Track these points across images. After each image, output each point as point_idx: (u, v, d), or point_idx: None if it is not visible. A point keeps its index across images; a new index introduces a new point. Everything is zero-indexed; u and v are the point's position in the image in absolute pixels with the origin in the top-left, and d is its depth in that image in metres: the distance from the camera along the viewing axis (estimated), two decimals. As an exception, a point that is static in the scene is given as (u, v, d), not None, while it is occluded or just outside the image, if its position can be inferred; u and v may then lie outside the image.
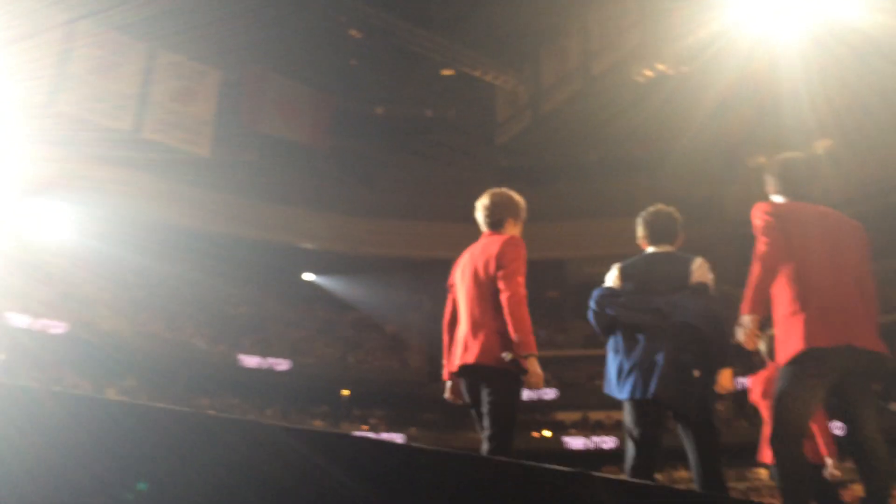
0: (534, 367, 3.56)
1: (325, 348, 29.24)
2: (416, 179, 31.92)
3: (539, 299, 31.79)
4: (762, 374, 5.51)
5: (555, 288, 31.58)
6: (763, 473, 21.80)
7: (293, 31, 24.43)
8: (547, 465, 1.74)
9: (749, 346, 3.15)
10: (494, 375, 3.61)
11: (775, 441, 3.06)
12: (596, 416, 28.02)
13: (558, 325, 31.06)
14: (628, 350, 3.83)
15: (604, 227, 29.87)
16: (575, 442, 26.93)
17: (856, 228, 3.34)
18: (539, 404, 28.63)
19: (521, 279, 3.66)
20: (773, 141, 25.41)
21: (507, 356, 3.55)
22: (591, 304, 4.06)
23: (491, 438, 3.63)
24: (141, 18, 21.69)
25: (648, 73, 22.54)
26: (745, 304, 3.17)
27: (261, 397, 25.51)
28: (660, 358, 3.65)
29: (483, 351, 3.60)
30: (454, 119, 30.97)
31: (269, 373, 26.53)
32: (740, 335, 3.16)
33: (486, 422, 3.67)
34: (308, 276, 31.27)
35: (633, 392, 3.75)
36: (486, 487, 1.66)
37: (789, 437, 3.05)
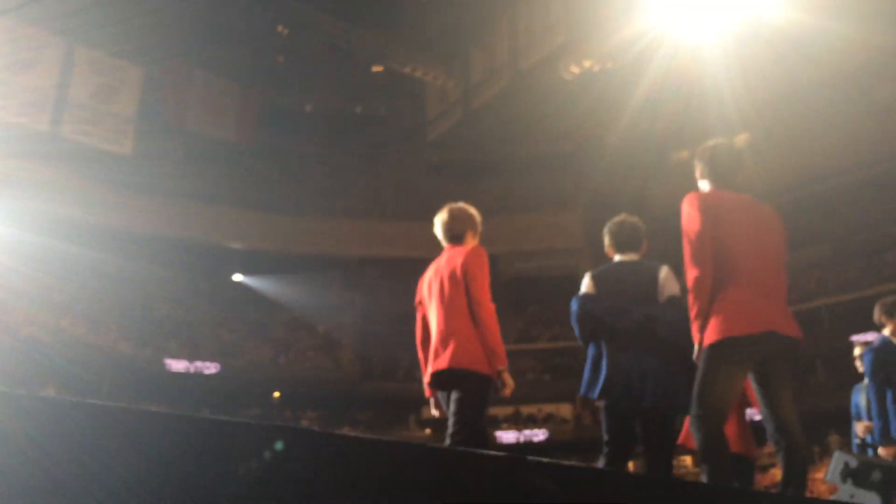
0: (507, 378, 3.77)
1: (255, 350, 28.78)
2: (347, 177, 31.66)
3: (472, 295, 32.10)
4: None
5: (487, 284, 31.77)
6: (688, 460, 22.44)
7: (218, 26, 23.95)
8: (481, 451, 1.70)
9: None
10: (465, 377, 3.72)
11: (697, 422, 3.10)
12: (528, 409, 28.33)
13: (491, 321, 31.28)
14: (614, 357, 3.89)
15: (535, 222, 30.19)
16: (507, 436, 27.17)
17: (775, 218, 3.42)
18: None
19: (488, 290, 3.86)
20: (700, 136, 26.06)
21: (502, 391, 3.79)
22: (575, 307, 4.13)
23: (452, 435, 3.69)
24: (58, 13, 20.94)
25: (575, 69, 22.85)
26: (695, 330, 3.23)
27: (189, 402, 24.91)
28: (651, 370, 3.78)
29: (454, 356, 3.73)
30: (384, 115, 30.87)
31: (198, 377, 25.95)
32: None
33: (450, 419, 3.74)
34: (237, 277, 30.71)
35: (619, 400, 3.90)
36: (418, 475, 1.61)
37: (711, 418, 3.09)
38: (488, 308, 3.81)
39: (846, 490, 2.45)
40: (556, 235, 29.96)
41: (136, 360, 25.15)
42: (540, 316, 30.98)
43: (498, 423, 28.09)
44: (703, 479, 3.04)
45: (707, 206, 3.25)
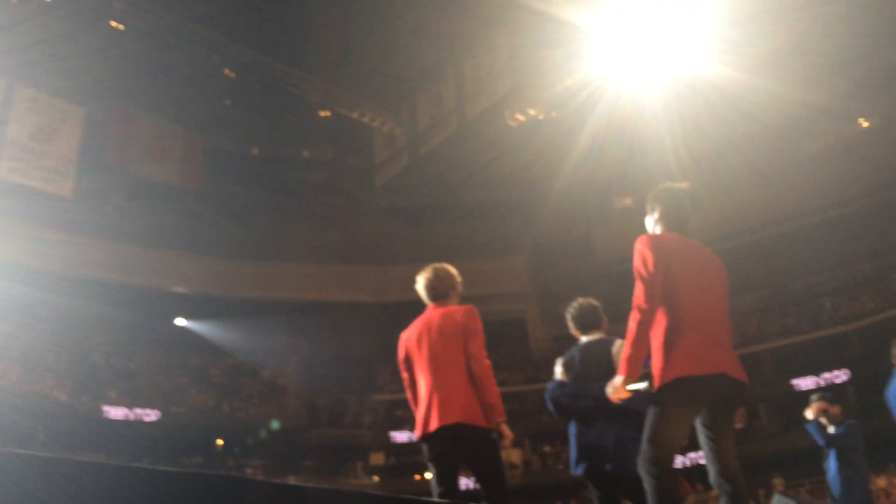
0: (507, 430, 3.90)
1: (197, 396, 28.08)
2: (293, 221, 31.49)
3: (419, 340, 31.96)
4: None
5: (434, 328, 31.70)
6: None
7: (163, 68, 23.83)
8: (421, 499, 1.69)
9: (616, 400, 3.29)
10: (481, 436, 3.84)
11: (648, 465, 3.10)
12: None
13: (438, 366, 31.13)
14: (581, 435, 4.27)
15: (482, 267, 30.31)
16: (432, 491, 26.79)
17: (720, 264, 3.49)
18: (420, 446, 28.47)
19: (484, 347, 4.02)
20: (642, 183, 26.74)
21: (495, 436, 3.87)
22: (547, 398, 4.44)
23: (493, 495, 3.82)
24: (-3, 52, 20.60)
25: (520, 117, 23.30)
26: (623, 367, 3.24)
27: (128, 451, 24.11)
28: (609, 439, 4.10)
29: (464, 410, 3.84)
30: (332, 160, 30.91)
31: (138, 424, 25.16)
32: (612, 392, 3.27)
33: (484, 484, 3.86)
34: (180, 322, 30.07)
35: (589, 469, 4.22)
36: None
37: (662, 460, 3.10)
38: (487, 364, 3.97)
39: (788, 531, 2.49)
40: (502, 280, 30.14)
41: (72, 408, 24.29)
42: (487, 360, 30.92)
43: (445, 470, 27.79)
44: None
45: (660, 248, 3.29)
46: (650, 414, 3.19)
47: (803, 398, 24.60)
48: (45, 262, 25.42)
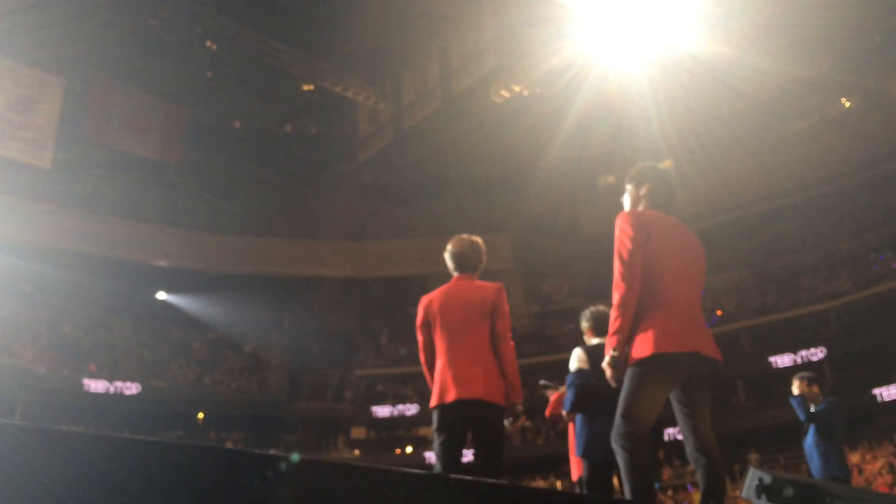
0: (519, 411, 3.99)
1: (178, 370, 28.04)
2: (276, 195, 31.31)
3: (401, 315, 31.99)
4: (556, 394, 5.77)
5: (416, 303, 31.70)
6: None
7: (144, 39, 23.46)
8: (407, 470, 1.71)
9: (610, 378, 3.28)
10: (496, 413, 3.92)
11: (622, 439, 3.14)
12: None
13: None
14: (591, 426, 4.62)
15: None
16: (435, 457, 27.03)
17: (698, 243, 3.53)
18: (401, 420, 28.64)
19: (510, 328, 4.06)
20: (629, 161, 26.75)
21: (508, 423, 4.02)
22: (576, 381, 4.66)
23: (493, 468, 3.95)
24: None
25: (505, 93, 23.23)
26: (611, 342, 3.25)
27: (108, 424, 24.08)
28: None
29: (487, 387, 3.87)
30: (315, 135, 30.70)
31: (117, 398, 25.12)
32: (609, 372, 3.27)
33: (485, 453, 3.99)
34: (161, 296, 29.94)
35: (593, 459, 4.59)
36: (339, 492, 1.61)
37: (636, 434, 3.14)
38: (511, 344, 4.00)
39: (760, 505, 2.53)
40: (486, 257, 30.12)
41: (52, 381, 24.19)
42: (469, 336, 31.05)
43: (427, 444, 27.99)
44: (627, 496, 3.08)
45: (640, 225, 3.31)
46: (624, 389, 3.22)
47: (780, 375, 24.96)
48: (24, 234, 25.20)
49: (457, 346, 3.96)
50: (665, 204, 3.50)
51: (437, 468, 3.93)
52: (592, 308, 5.07)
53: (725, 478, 3.21)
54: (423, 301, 4.16)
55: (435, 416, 3.99)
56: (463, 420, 3.94)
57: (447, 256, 4.25)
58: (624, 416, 3.16)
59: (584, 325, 5.05)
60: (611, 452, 4.21)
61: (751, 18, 19.19)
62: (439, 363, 4.02)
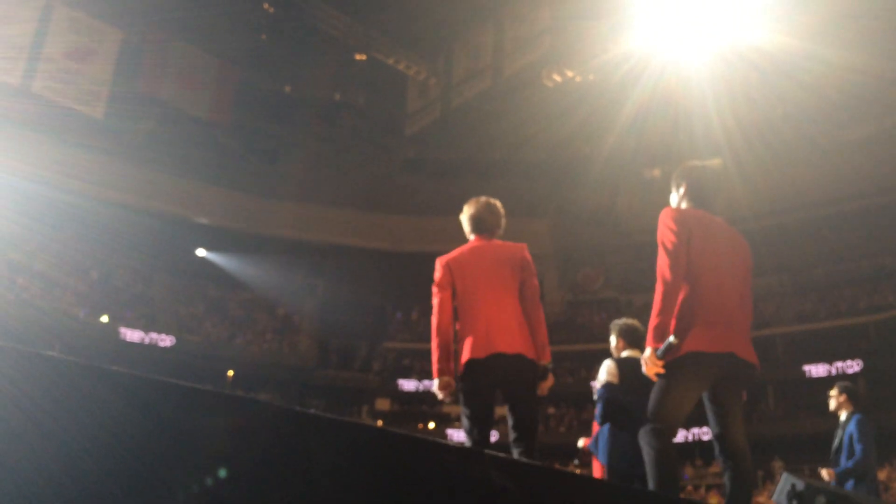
0: (550, 374, 3.85)
1: (212, 327, 28.49)
2: (320, 163, 31.47)
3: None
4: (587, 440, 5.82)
5: (451, 282, 31.80)
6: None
7: (203, -2, 23.62)
8: (440, 441, 1.71)
9: (650, 374, 3.24)
10: (533, 371, 3.79)
11: (650, 436, 3.13)
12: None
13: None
14: (615, 437, 4.78)
15: (504, 226, 30.26)
16: (458, 435, 27.21)
17: (745, 245, 3.49)
18: (427, 396, 28.82)
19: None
20: (685, 156, 26.23)
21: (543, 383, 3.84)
22: (605, 395, 4.81)
23: (531, 438, 3.76)
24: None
25: (557, 77, 22.98)
26: (650, 336, 3.21)
27: (140, 373, 24.59)
28: (636, 447, 4.43)
29: (526, 343, 3.77)
30: (363, 105, 30.71)
31: (152, 348, 25.63)
32: (646, 367, 3.23)
33: (524, 419, 3.80)
34: (200, 252, 30.36)
35: (615, 467, 4.75)
36: (375, 458, 1.62)
37: (665, 432, 3.14)
38: (540, 305, 3.92)
39: (791, 511, 2.51)
40: (524, 240, 29.93)
41: (89, 327, 24.74)
42: (500, 319, 31.06)
43: (451, 422, 28.15)
44: (655, 489, 3.08)
45: (684, 221, 3.30)
46: (656, 387, 3.20)
47: (813, 385, 24.54)
48: (72, 180, 25.63)
49: (491, 301, 3.81)
50: (706, 204, 3.45)
51: (472, 433, 3.72)
52: (622, 321, 5.13)
53: (753, 483, 3.18)
54: (443, 260, 3.99)
55: (465, 375, 3.75)
56: (495, 379, 3.74)
57: (464, 219, 4.18)
58: (654, 413, 3.15)
59: (614, 337, 5.10)
60: (634, 465, 4.22)
61: (819, 9, 18.55)
62: (468, 320, 3.82)
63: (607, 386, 4.82)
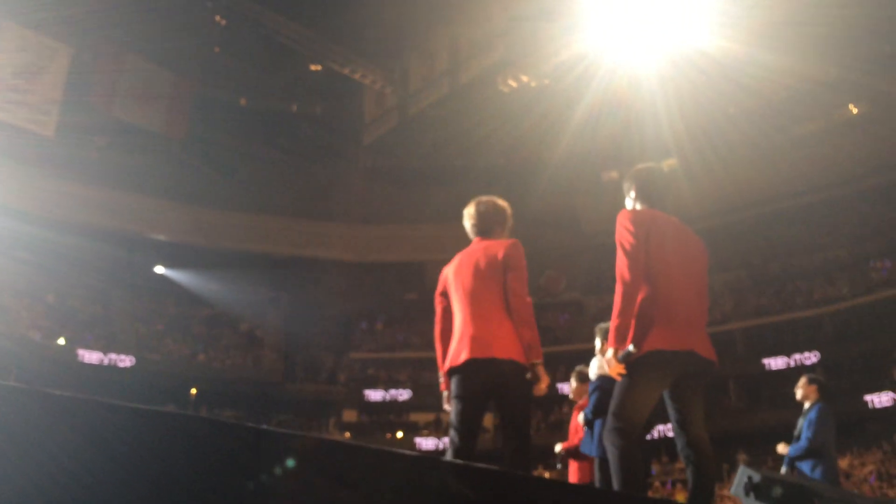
0: (543, 373, 3.65)
1: (173, 345, 28.09)
2: (278, 174, 31.26)
3: (398, 301, 32.01)
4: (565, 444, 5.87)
5: (413, 290, 31.79)
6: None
7: (153, 11, 23.35)
8: (396, 450, 1.72)
9: (613, 374, 3.27)
10: (515, 372, 3.62)
11: (612, 435, 3.16)
12: (448, 417, 28.34)
13: (415, 327, 31.27)
14: None
15: (465, 232, 30.31)
16: (426, 443, 27.19)
17: (699, 242, 3.56)
18: (393, 405, 28.74)
19: (527, 283, 3.79)
20: (636, 158, 26.66)
21: (529, 376, 3.63)
22: (604, 385, 4.78)
23: (522, 436, 3.66)
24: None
25: (513, 83, 23.13)
26: (612, 337, 3.26)
27: (101, 395, 24.08)
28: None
29: (501, 346, 3.62)
30: (320, 115, 30.62)
31: (111, 369, 25.18)
32: (609, 368, 3.28)
33: (513, 419, 3.69)
34: (159, 269, 29.94)
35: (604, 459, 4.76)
36: (333, 471, 1.63)
37: (628, 431, 3.16)
38: (527, 301, 3.74)
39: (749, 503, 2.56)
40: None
41: (46, 350, 24.25)
42: (465, 325, 31.11)
43: (418, 430, 28.09)
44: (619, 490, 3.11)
45: (641, 222, 3.35)
46: (618, 386, 3.25)
47: (772, 377, 24.98)
48: (24, 201, 25.16)
49: (470, 306, 3.74)
50: (657, 203, 3.53)
51: (453, 439, 3.70)
52: (604, 324, 5.02)
53: (715, 477, 3.24)
54: (442, 271, 4.00)
55: (452, 383, 3.73)
56: (481, 385, 3.66)
57: (464, 221, 4.13)
58: (616, 413, 3.19)
59: (599, 339, 5.20)
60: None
61: (763, 16, 19.06)
62: (455, 328, 3.79)
63: (604, 378, 4.81)
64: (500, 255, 3.81)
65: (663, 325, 3.23)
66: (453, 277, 3.90)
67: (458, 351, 3.69)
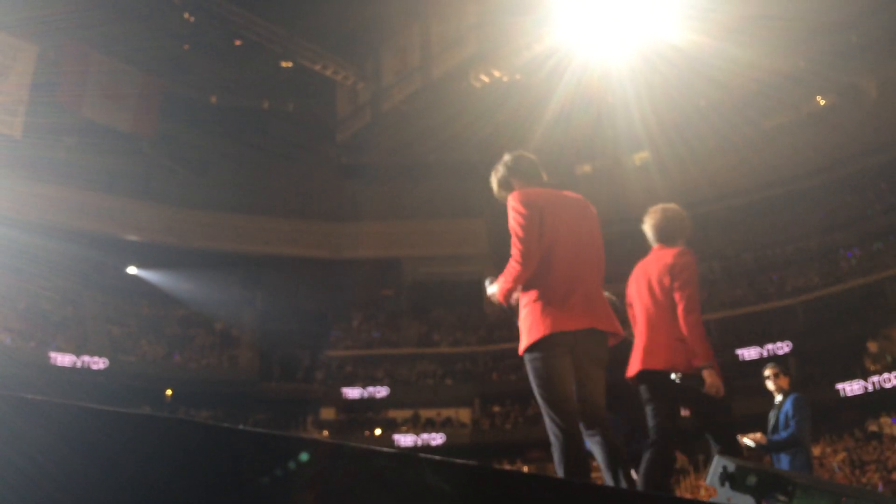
0: (713, 376, 3.80)
1: (147, 346, 27.82)
2: (251, 172, 31.04)
3: (374, 298, 31.96)
4: None
5: (390, 286, 31.77)
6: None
7: (121, 8, 23.07)
8: (375, 448, 1.72)
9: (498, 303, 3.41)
10: (666, 382, 3.80)
11: (552, 424, 3.13)
12: (427, 413, 28.43)
13: (392, 324, 31.27)
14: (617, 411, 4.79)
15: (440, 228, 30.36)
16: (405, 440, 27.19)
17: (589, 207, 3.53)
18: (371, 402, 28.68)
19: (693, 290, 3.85)
20: (609, 150, 26.87)
21: (676, 377, 3.77)
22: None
23: (664, 442, 3.85)
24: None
25: (485, 78, 23.18)
26: (501, 295, 3.36)
27: (74, 398, 23.80)
28: (617, 424, 4.36)
29: (667, 359, 3.81)
30: (292, 113, 30.41)
31: (84, 372, 24.87)
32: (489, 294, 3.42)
33: (658, 418, 3.89)
34: (132, 270, 29.62)
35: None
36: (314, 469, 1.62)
37: (564, 414, 3.13)
38: (696, 308, 3.85)
39: (723, 493, 2.58)
40: (461, 241, 30.25)
41: (18, 353, 23.88)
42: (442, 320, 31.17)
43: (396, 427, 28.08)
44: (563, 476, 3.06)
45: (531, 202, 3.32)
46: (534, 378, 3.21)
47: (745, 367, 25.29)
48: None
49: (648, 318, 3.99)
50: (535, 179, 3.54)
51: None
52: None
53: (621, 448, 3.26)
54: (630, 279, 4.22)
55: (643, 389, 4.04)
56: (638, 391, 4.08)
57: (645, 228, 4.21)
58: (547, 403, 3.17)
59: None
60: (629, 441, 4.20)
61: (732, 10, 19.29)
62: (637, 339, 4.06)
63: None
64: (668, 262, 3.97)
65: (563, 306, 3.22)
66: (634, 288, 4.13)
67: (635, 356, 4.03)
